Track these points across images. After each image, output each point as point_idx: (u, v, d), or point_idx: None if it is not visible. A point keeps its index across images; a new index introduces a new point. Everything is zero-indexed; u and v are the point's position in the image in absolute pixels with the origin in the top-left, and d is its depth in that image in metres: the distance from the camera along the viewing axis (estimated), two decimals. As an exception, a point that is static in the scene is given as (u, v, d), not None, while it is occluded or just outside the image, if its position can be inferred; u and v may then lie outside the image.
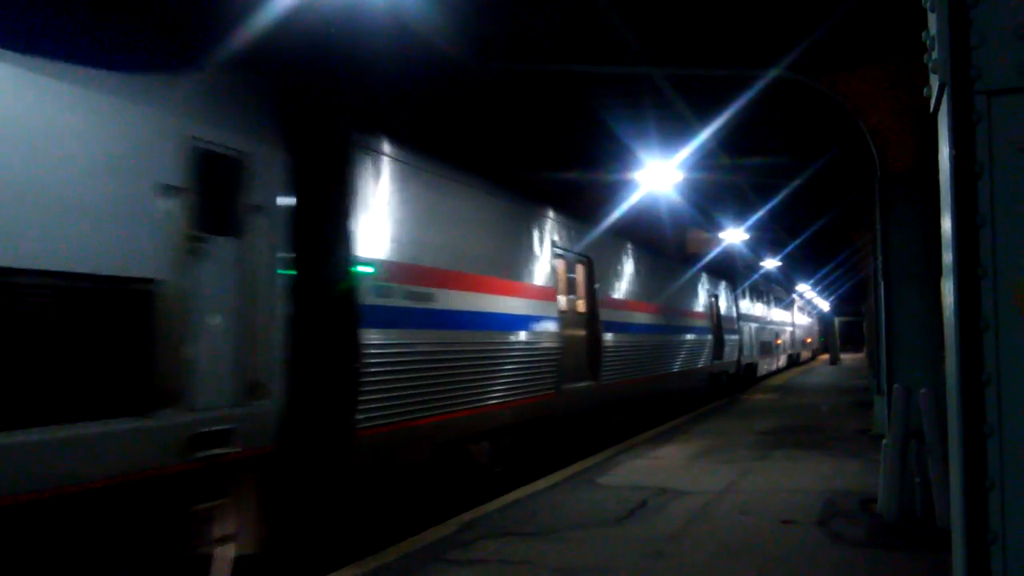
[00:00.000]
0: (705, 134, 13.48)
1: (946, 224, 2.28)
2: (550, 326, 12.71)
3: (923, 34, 2.43)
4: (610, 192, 17.20)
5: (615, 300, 16.31)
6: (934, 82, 2.37)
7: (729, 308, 30.26)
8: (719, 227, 24.04)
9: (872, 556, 7.34)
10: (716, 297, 27.60)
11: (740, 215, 22.23)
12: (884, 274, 9.09)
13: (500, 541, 8.20)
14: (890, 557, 7.29)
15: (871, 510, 8.85)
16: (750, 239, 26.25)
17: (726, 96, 11.60)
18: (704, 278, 26.00)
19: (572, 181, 16.95)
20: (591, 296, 14.90)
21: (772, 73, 9.76)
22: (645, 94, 11.96)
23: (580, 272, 14.64)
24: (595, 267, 15.15)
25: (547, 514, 9.36)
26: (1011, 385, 2.15)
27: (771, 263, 33.89)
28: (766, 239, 27.76)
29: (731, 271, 30.98)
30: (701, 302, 25.13)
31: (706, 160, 15.76)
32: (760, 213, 21.24)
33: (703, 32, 9.80)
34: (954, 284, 2.23)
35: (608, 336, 15.30)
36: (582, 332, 14.46)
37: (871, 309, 23.00)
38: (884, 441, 8.55)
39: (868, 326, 31.98)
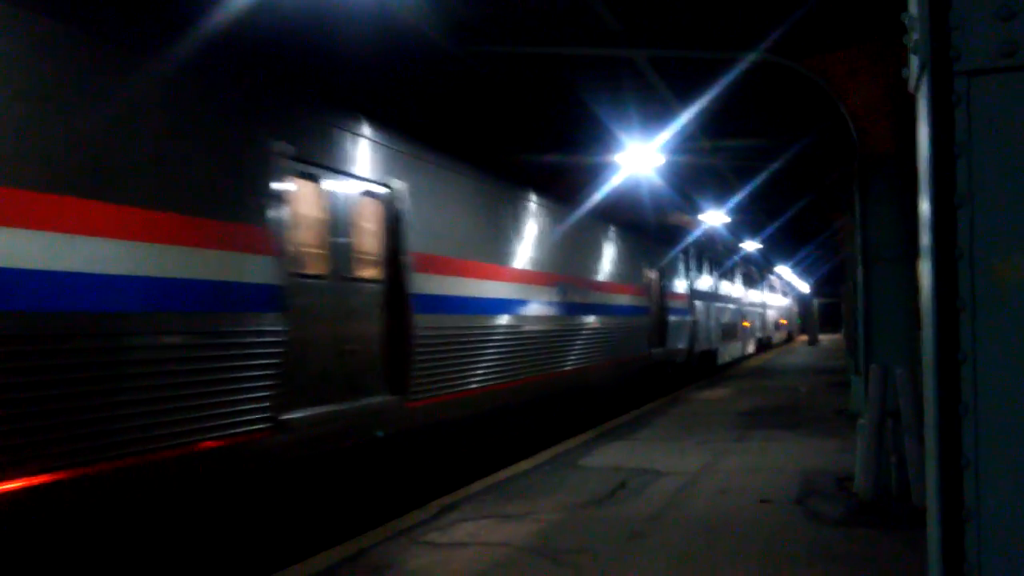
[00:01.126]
0: (686, 117, 13.47)
1: (924, 205, 2.29)
2: (254, 307, 6.97)
3: (903, 15, 2.43)
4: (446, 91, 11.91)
5: (449, 263, 10.49)
6: (913, 63, 2.37)
7: (677, 282, 24.27)
8: (699, 209, 24.01)
9: (849, 534, 7.43)
10: (660, 268, 22.27)
11: (721, 198, 22.27)
12: (863, 254, 9.15)
13: (480, 523, 8.23)
14: (866, 534, 7.38)
15: (848, 488, 8.95)
16: (731, 221, 26.29)
17: (707, 79, 11.59)
18: (637, 242, 20.25)
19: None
20: (394, 254, 9.32)
21: (752, 55, 9.76)
22: (626, 76, 11.93)
23: (371, 212, 9.09)
24: (406, 206, 9.45)
25: (528, 496, 9.40)
26: (986, 365, 2.16)
27: (752, 245, 33.90)
28: (747, 221, 27.83)
29: (681, 237, 25.25)
30: (630, 273, 19.29)
31: (687, 143, 15.77)
32: (741, 195, 21.29)
33: (684, 14, 9.77)
34: (931, 265, 2.24)
35: (428, 321, 9.71)
36: (372, 313, 8.97)
37: (849, 290, 23.22)
38: (860, 420, 8.63)
39: (846, 307, 32.08)
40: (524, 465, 11.31)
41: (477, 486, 10.02)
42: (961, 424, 2.16)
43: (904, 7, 2.47)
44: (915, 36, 2.30)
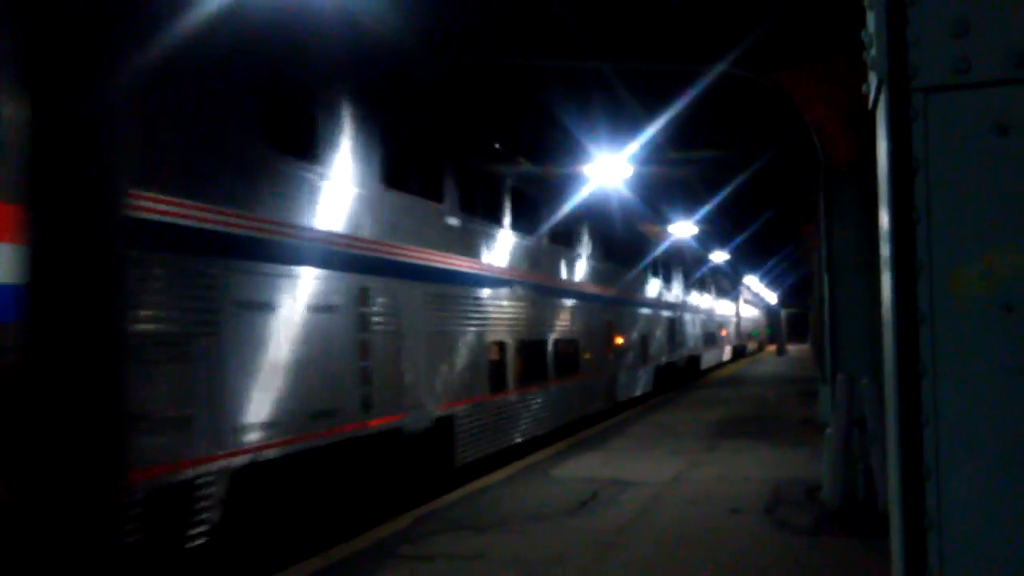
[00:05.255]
0: (654, 128, 13.58)
1: (883, 220, 2.33)
2: None
3: (862, 31, 2.47)
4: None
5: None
6: (872, 79, 2.41)
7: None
8: (668, 220, 24.13)
9: (817, 543, 7.49)
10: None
11: (690, 209, 22.45)
12: (828, 266, 9.26)
13: (453, 535, 8.21)
14: (834, 543, 7.45)
15: (816, 497, 9.03)
16: (700, 232, 26.46)
17: (674, 90, 11.69)
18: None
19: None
20: None
21: (718, 68, 9.87)
22: (594, 88, 12.00)
23: None
24: None
25: (501, 507, 9.39)
26: (946, 376, 2.20)
27: (721, 256, 34.06)
28: (715, 233, 28.03)
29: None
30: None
31: (656, 154, 15.88)
32: (709, 207, 21.47)
33: (651, 28, 9.86)
34: (891, 278, 2.28)
35: None
36: None
37: (816, 301, 23.46)
38: (828, 430, 8.72)
39: (813, 318, 32.12)
40: (497, 476, 11.30)
41: (449, 498, 10.00)
42: (922, 435, 2.19)
43: (864, 25, 2.51)
44: (873, 52, 2.34)
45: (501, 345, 13.31)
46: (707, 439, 14.56)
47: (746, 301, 56.19)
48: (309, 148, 8.65)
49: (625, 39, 10.14)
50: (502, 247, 13.73)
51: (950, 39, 2.18)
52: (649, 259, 25.19)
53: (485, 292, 12.79)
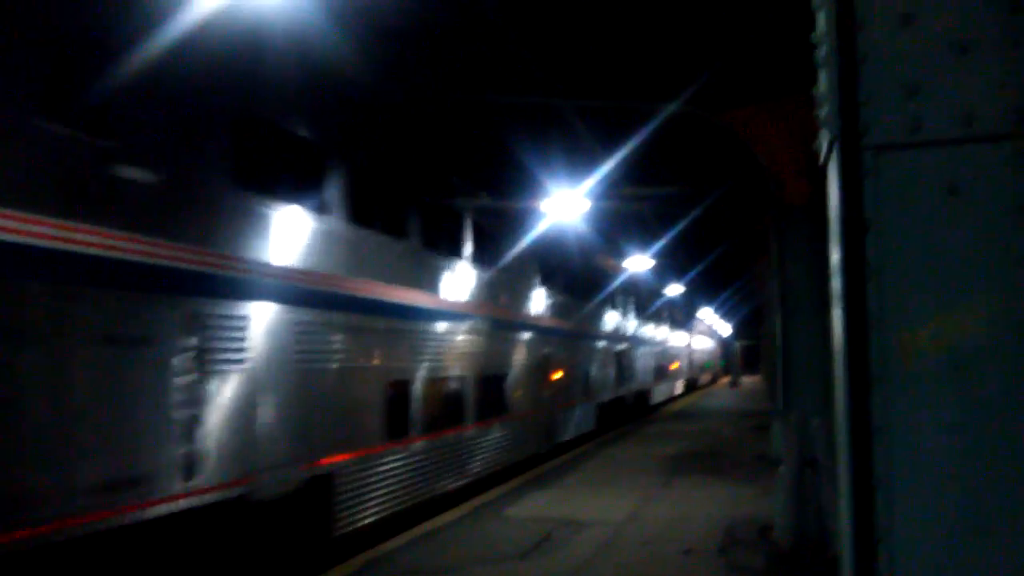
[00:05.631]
0: (610, 164, 13.67)
1: (835, 278, 2.31)
2: None
3: (813, 89, 2.47)
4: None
5: None
6: (824, 136, 2.41)
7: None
8: (624, 255, 24.28)
9: (770, 585, 7.47)
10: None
11: (646, 243, 22.64)
12: (781, 305, 9.33)
13: (402, 579, 8.03)
14: (787, 585, 7.43)
15: (769, 537, 9.02)
16: (656, 266, 26.67)
17: (631, 127, 11.80)
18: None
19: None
20: None
21: (673, 107, 9.97)
22: (553, 124, 12.07)
23: None
24: None
25: (452, 549, 9.22)
26: (897, 436, 2.18)
27: (677, 289, 34.36)
28: (671, 266, 28.29)
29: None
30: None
31: (612, 189, 15.99)
32: (665, 241, 21.68)
33: (607, 67, 9.95)
34: (843, 335, 2.26)
35: None
36: None
37: (768, 334, 23.68)
38: (780, 468, 8.73)
39: (765, 350, 32.31)
40: (448, 517, 11.12)
41: (400, 540, 9.80)
42: (874, 497, 2.16)
43: (813, 68, 2.51)
44: (825, 111, 2.34)
45: (403, 384, 11.00)
46: (661, 475, 14.53)
47: (699, 333, 56.27)
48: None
49: (582, 77, 10.21)
50: (404, 266, 11.36)
51: (902, 99, 2.18)
52: (594, 288, 23.32)
53: (380, 321, 10.53)
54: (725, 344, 73.25)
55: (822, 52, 2.37)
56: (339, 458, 9.20)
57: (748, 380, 64.61)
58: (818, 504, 8.21)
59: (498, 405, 14.85)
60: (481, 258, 14.38)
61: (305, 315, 8.68)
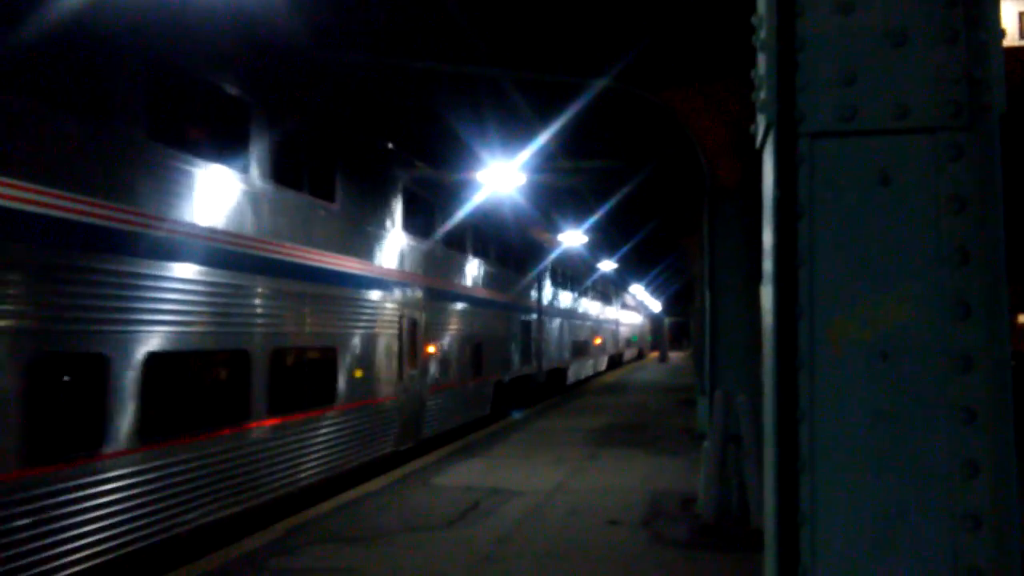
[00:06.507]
0: (546, 136, 13.65)
1: (767, 262, 2.32)
2: None
3: (751, 71, 2.46)
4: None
5: None
6: (760, 120, 2.41)
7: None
8: (559, 229, 24.34)
9: (691, 556, 7.63)
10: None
11: (580, 218, 22.74)
12: (710, 283, 9.46)
13: (327, 547, 7.98)
14: (708, 557, 7.60)
15: (692, 510, 9.21)
16: (589, 241, 26.81)
17: (567, 100, 11.77)
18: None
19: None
20: None
21: (606, 82, 9.96)
22: (486, 94, 11.97)
23: None
24: None
25: (378, 517, 9.20)
26: (822, 421, 2.21)
27: (608, 265, 34.60)
28: (603, 241, 28.46)
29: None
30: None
31: (547, 162, 15.98)
32: (598, 216, 21.80)
33: (543, 39, 9.88)
34: (773, 321, 2.27)
35: None
36: None
37: (696, 311, 24.08)
38: (704, 444, 8.91)
39: (694, 327, 32.85)
40: (373, 485, 11.08)
41: (326, 506, 9.74)
42: (798, 481, 2.19)
43: (754, 51, 2.51)
44: (763, 95, 2.33)
45: (110, 361, 7.10)
46: (588, 447, 14.71)
47: (627, 307, 56.53)
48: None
49: (518, 48, 10.13)
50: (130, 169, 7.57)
51: (838, 87, 2.19)
52: (497, 247, 20.18)
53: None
54: (654, 320, 74.37)
55: (761, 35, 2.37)
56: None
57: (676, 355, 65.83)
58: (741, 479, 8.41)
59: (323, 391, 10.97)
60: (287, 179, 10.32)
61: None
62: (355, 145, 12.43)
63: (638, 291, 54.82)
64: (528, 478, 11.50)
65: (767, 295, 2.32)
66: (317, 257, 10.80)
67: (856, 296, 2.18)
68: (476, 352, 18.08)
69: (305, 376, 10.60)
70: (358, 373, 11.87)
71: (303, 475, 10.21)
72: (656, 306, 69.14)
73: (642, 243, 27.68)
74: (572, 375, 31.51)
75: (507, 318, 21.20)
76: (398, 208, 13.77)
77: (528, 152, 14.64)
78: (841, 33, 2.22)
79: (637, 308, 64.40)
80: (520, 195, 18.98)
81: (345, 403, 11.43)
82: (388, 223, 13.31)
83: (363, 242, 12.40)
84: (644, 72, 9.31)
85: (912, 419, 2.13)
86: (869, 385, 2.17)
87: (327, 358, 11.12)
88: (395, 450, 13.07)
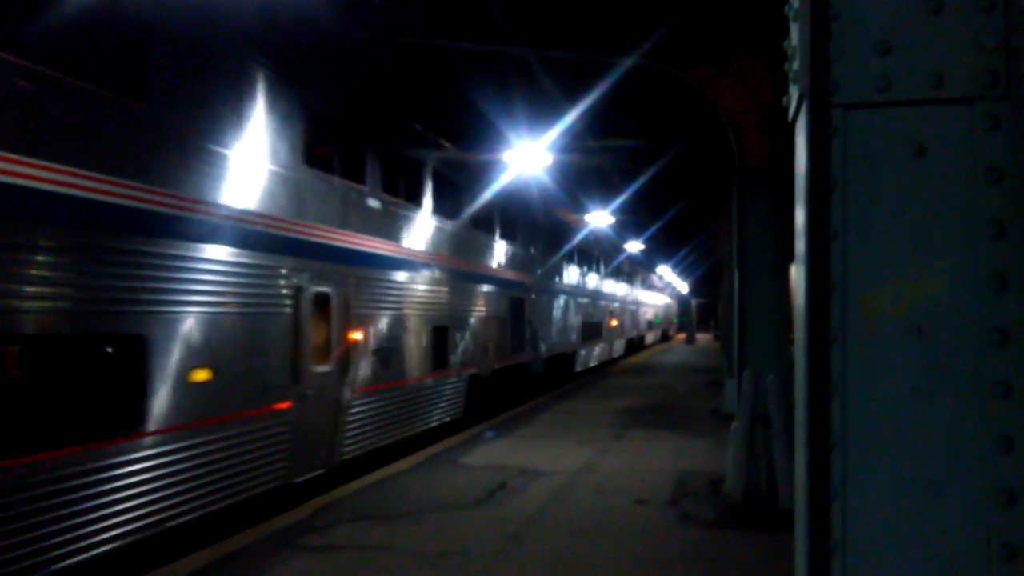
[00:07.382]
0: (573, 116, 13.60)
1: (799, 236, 2.30)
2: None
3: (784, 42, 2.43)
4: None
5: None
6: (792, 92, 2.38)
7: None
8: (585, 209, 24.22)
9: (719, 536, 7.61)
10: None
11: (607, 198, 22.65)
12: (739, 263, 9.40)
13: (357, 525, 8.06)
14: (735, 536, 7.58)
15: (719, 490, 9.19)
16: (616, 222, 26.70)
17: (594, 79, 11.71)
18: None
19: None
20: None
21: (635, 60, 9.89)
22: (514, 74, 11.93)
23: None
24: None
25: (407, 496, 9.27)
26: (855, 396, 2.19)
27: (635, 246, 34.43)
28: (631, 222, 28.34)
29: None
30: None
31: (574, 142, 15.92)
32: (625, 196, 21.70)
33: (572, 17, 9.82)
34: (806, 295, 2.25)
35: None
36: None
37: (725, 292, 23.94)
38: (733, 424, 8.87)
39: (722, 308, 32.55)
40: (403, 464, 11.17)
41: (355, 485, 9.83)
42: (830, 456, 2.18)
43: (785, 30, 2.47)
44: (795, 65, 2.30)
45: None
46: (616, 427, 14.71)
47: (651, 287, 55.04)
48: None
49: (546, 26, 10.07)
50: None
51: (872, 56, 2.15)
52: (466, 197, 15.73)
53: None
54: (682, 301, 74.05)
55: (795, 4, 2.33)
56: None
57: (703, 337, 65.52)
58: (769, 459, 8.37)
59: (199, 397, 7.57)
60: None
61: None
62: None
63: (665, 272, 54.50)
64: (555, 458, 11.53)
65: (800, 269, 2.31)
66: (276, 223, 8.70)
67: (890, 270, 2.15)
68: (439, 338, 13.89)
69: (185, 377, 7.34)
70: (199, 376, 7.55)
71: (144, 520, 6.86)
72: (684, 287, 68.84)
73: (669, 224, 27.53)
74: (581, 362, 27.69)
75: (489, 294, 16.98)
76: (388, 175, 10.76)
77: (555, 132, 14.59)
78: (876, 2, 2.18)
79: (663, 289, 63.91)
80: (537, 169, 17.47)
81: (165, 427, 7.09)
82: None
83: (331, 207, 9.63)
84: (673, 49, 9.22)
85: (945, 394, 2.11)
86: (902, 360, 2.15)
87: (118, 352, 6.77)
88: (286, 483, 9.01)
